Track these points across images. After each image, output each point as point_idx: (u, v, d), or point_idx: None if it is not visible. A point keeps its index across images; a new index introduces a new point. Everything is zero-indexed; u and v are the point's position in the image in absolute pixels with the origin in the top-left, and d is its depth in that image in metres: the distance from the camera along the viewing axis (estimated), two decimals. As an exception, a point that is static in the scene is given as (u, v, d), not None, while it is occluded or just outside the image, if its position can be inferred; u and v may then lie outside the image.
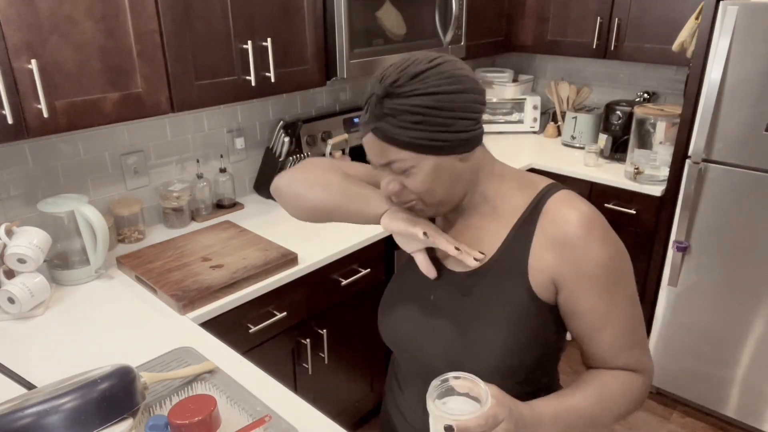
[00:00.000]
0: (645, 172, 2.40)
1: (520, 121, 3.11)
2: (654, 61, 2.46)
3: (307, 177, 0.97)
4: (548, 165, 2.64)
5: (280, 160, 2.10)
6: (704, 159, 2.10)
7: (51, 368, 1.24)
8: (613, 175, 2.50)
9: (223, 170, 2.07)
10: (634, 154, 2.44)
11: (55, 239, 1.59)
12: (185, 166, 2.03)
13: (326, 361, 1.89)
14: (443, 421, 0.70)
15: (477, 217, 0.89)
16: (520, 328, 0.85)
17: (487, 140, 0.85)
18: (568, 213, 0.83)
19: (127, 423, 0.86)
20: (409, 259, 0.97)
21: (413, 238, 0.87)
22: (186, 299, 1.45)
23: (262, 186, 2.22)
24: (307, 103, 2.36)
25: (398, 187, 0.83)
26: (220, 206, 2.09)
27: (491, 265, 0.86)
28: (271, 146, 2.16)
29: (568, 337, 0.93)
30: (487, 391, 0.72)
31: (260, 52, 1.73)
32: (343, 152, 2.35)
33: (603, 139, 2.68)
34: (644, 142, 2.41)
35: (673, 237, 2.25)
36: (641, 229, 2.46)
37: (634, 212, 2.44)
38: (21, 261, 1.40)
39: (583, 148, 2.85)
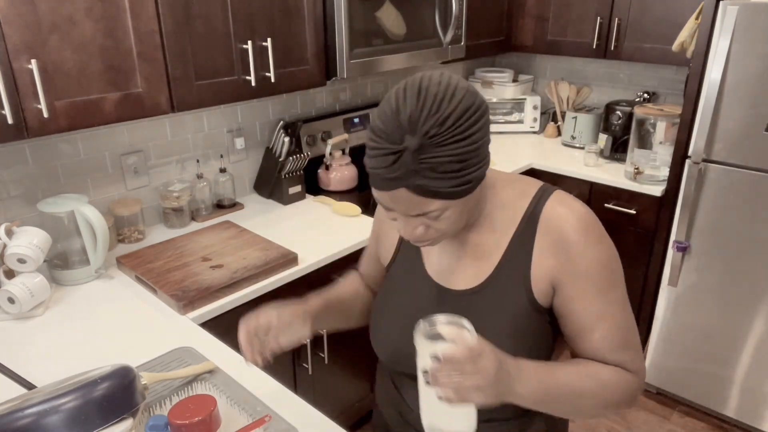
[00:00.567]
0: (645, 172, 2.40)
1: (520, 121, 3.11)
2: (654, 61, 2.46)
3: None
4: (548, 165, 2.64)
5: (280, 160, 2.10)
6: (704, 159, 2.10)
7: (51, 368, 1.24)
8: (613, 175, 2.50)
9: (223, 170, 2.07)
10: (634, 154, 2.44)
11: (55, 239, 1.58)
12: (185, 166, 2.03)
13: (326, 361, 1.88)
14: (430, 351, 0.71)
15: (475, 233, 0.89)
16: (524, 338, 0.85)
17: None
18: (565, 215, 0.83)
19: (127, 423, 0.86)
20: (398, 275, 0.96)
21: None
22: (186, 299, 1.45)
23: (262, 186, 2.22)
24: (307, 103, 2.36)
25: (424, 230, 0.80)
26: (220, 206, 2.09)
27: (491, 279, 0.86)
28: (271, 146, 2.16)
29: None
30: (474, 331, 0.74)
31: (260, 52, 1.73)
32: (343, 152, 2.35)
33: (603, 139, 2.68)
34: (644, 142, 2.41)
35: (673, 237, 2.24)
36: (641, 229, 2.46)
37: (634, 212, 2.44)
38: (21, 261, 1.40)
39: (583, 148, 2.85)
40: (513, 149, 2.86)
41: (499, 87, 3.05)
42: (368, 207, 2.12)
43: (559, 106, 3.05)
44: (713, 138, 2.07)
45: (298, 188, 2.17)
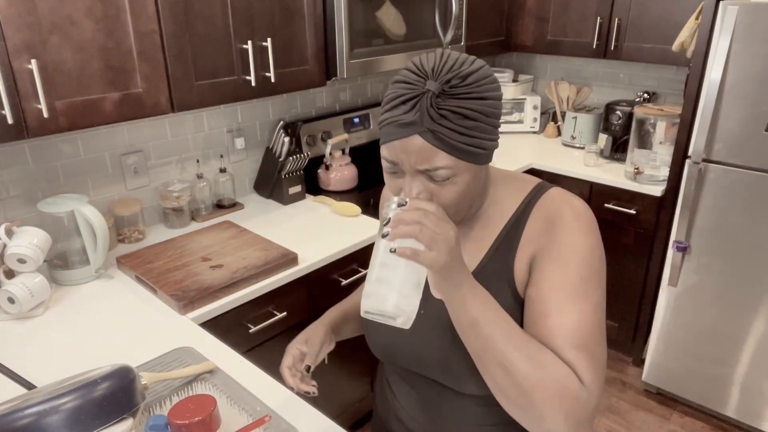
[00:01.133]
0: (645, 172, 2.40)
1: (520, 121, 3.11)
2: (654, 61, 2.46)
3: None
4: (548, 165, 2.64)
5: (280, 160, 2.10)
6: (704, 159, 2.10)
7: (51, 368, 1.24)
8: (613, 175, 2.50)
9: (223, 170, 2.07)
10: (634, 154, 2.44)
11: (55, 239, 1.59)
12: (185, 166, 2.03)
13: (326, 362, 1.88)
14: (395, 205, 0.71)
15: (468, 227, 0.88)
16: None
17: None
18: (560, 205, 0.82)
19: (127, 423, 0.86)
20: None
21: None
22: (186, 299, 1.45)
23: (262, 186, 2.22)
24: (307, 103, 2.36)
25: (428, 198, 0.77)
26: (220, 206, 2.09)
27: (478, 273, 0.85)
28: (271, 146, 2.16)
29: None
30: None
31: (260, 52, 1.73)
32: (343, 152, 2.35)
33: (603, 139, 2.68)
34: (644, 142, 2.41)
35: (673, 237, 2.25)
36: (641, 229, 2.46)
37: (634, 212, 2.44)
38: (21, 261, 1.40)
39: (583, 148, 2.85)
40: (513, 149, 2.86)
41: (499, 87, 3.04)
42: (368, 207, 2.12)
43: (559, 106, 3.05)
44: (713, 138, 2.07)
45: (298, 188, 2.17)
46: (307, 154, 2.15)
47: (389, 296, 0.68)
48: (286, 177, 2.12)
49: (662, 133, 2.35)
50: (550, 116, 3.17)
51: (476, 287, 0.73)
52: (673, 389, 2.43)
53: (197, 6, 1.55)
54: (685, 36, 2.18)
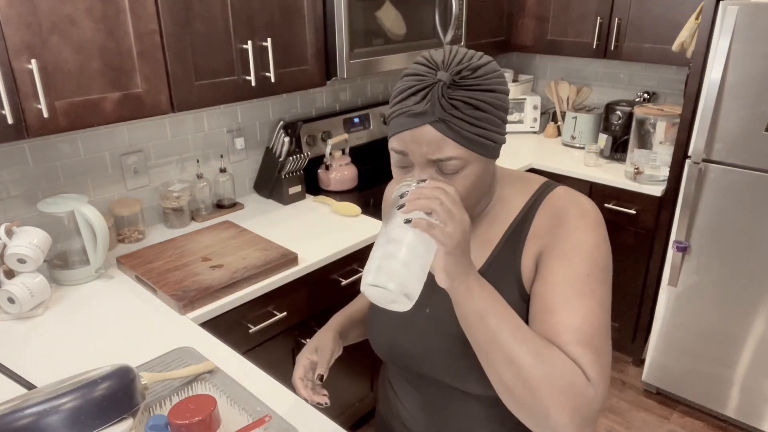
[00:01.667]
0: (645, 172, 2.40)
1: (520, 121, 3.11)
2: (654, 61, 2.46)
3: None
4: (548, 165, 2.64)
5: (280, 160, 2.10)
6: (704, 159, 2.10)
7: (51, 368, 1.24)
8: (613, 175, 2.50)
9: (223, 170, 2.07)
10: (634, 154, 2.44)
11: (55, 239, 1.59)
12: (185, 166, 2.03)
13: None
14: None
15: (474, 226, 0.88)
16: None
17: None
18: (567, 202, 0.83)
19: (127, 423, 0.86)
20: None
21: None
22: (186, 299, 1.45)
23: (262, 186, 2.22)
24: (307, 103, 2.36)
25: None
26: (220, 206, 2.09)
27: (485, 270, 0.85)
28: (271, 146, 2.16)
29: None
30: None
31: (260, 52, 1.73)
32: (343, 152, 2.35)
33: (603, 139, 2.68)
34: (644, 142, 2.41)
35: (673, 237, 2.25)
36: (641, 229, 2.46)
37: (634, 212, 2.44)
38: (21, 261, 1.40)
39: (583, 148, 2.85)
40: (513, 149, 2.86)
41: (499, 87, 3.04)
42: (368, 207, 2.12)
43: (559, 106, 3.05)
44: (713, 138, 2.07)
45: (298, 188, 2.17)
46: (307, 154, 2.15)
47: (396, 271, 0.66)
48: (286, 177, 2.12)
49: (662, 133, 2.35)
50: (550, 116, 3.17)
51: (482, 280, 0.73)
52: (673, 389, 2.43)
53: (197, 6, 1.55)
54: (685, 36, 2.18)
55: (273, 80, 1.76)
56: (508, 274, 0.83)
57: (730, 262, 2.14)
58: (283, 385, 1.17)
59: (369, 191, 2.30)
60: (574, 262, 0.77)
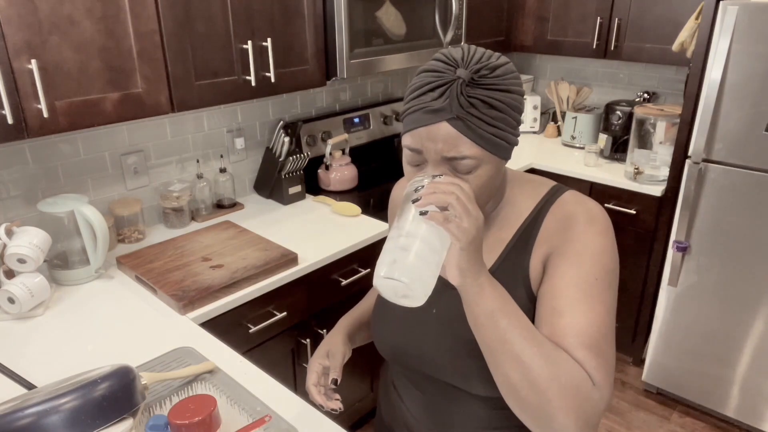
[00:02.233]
0: (645, 172, 2.40)
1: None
2: (654, 61, 2.46)
3: None
4: (548, 165, 2.64)
5: (280, 160, 2.10)
6: (704, 159, 2.10)
7: (51, 368, 1.24)
8: (613, 175, 2.51)
9: (223, 170, 2.07)
10: (634, 154, 2.44)
11: (55, 239, 1.59)
12: (185, 166, 2.03)
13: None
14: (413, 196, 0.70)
15: (485, 227, 0.88)
16: None
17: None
18: (575, 207, 0.83)
19: (127, 423, 0.86)
20: None
21: None
22: (186, 299, 1.45)
23: (262, 186, 2.22)
24: (307, 103, 2.36)
25: None
26: (220, 206, 2.09)
27: (493, 272, 0.85)
28: (271, 146, 2.16)
29: None
30: None
31: (260, 52, 1.73)
32: (343, 152, 2.35)
33: (603, 139, 2.68)
34: (644, 142, 2.41)
35: (673, 237, 2.25)
36: (641, 229, 2.46)
37: (634, 212, 2.44)
38: (21, 261, 1.40)
39: (583, 148, 2.85)
40: (513, 149, 2.86)
41: (499, 87, 3.04)
42: (368, 207, 2.12)
43: (559, 106, 3.05)
44: (713, 138, 2.07)
45: (298, 188, 2.17)
46: (307, 154, 2.15)
47: (410, 264, 0.65)
48: (286, 177, 2.12)
49: (662, 133, 2.35)
50: (550, 116, 3.17)
51: (494, 279, 0.73)
52: (673, 389, 2.43)
53: (197, 6, 1.55)
54: (685, 36, 2.18)
55: (273, 80, 1.76)
56: (516, 276, 0.83)
57: (730, 262, 2.14)
58: (283, 385, 1.17)
59: (369, 191, 2.30)
60: (582, 266, 0.78)
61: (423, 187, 0.70)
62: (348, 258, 1.84)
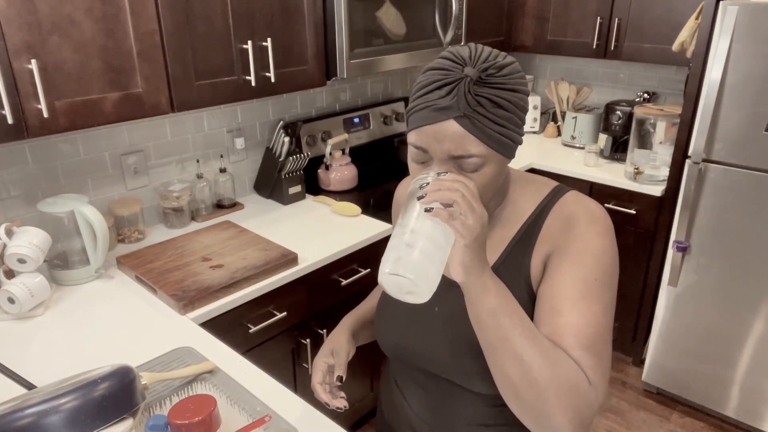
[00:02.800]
0: (645, 172, 2.40)
1: (520, 121, 3.11)
2: (654, 61, 2.46)
3: None
4: (548, 165, 2.64)
5: (280, 160, 2.10)
6: (704, 159, 2.10)
7: (51, 368, 1.24)
8: (613, 175, 2.50)
9: (223, 170, 2.07)
10: (634, 154, 2.44)
11: (55, 239, 1.59)
12: (185, 166, 2.03)
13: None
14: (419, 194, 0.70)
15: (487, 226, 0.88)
16: None
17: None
18: (577, 207, 0.83)
19: (127, 423, 0.86)
20: None
21: None
22: (186, 299, 1.45)
23: (262, 186, 2.22)
24: (307, 103, 2.36)
25: None
26: (220, 206, 2.09)
27: (495, 270, 0.85)
28: (271, 146, 2.16)
29: None
30: None
31: (260, 52, 1.73)
32: (343, 152, 2.35)
33: (603, 139, 2.68)
34: (644, 142, 2.41)
35: (673, 237, 2.25)
36: (641, 229, 2.46)
37: (634, 212, 2.44)
38: (21, 261, 1.40)
39: (583, 148, 2.85)
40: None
41: (499, 87, 3.04)
42: (368, 207, 2.12)
43: (559, 106, 3.05)
44: (713, 138, 2.07)
45: (298, 188, 2.17)
46: (307, 154, 2.15)
47: (415, 260, 0.66)
48: (286, 177, 2.12)
49: (662, 133, 2.35)
50: (550, 116, 3.17)
51: (496, 278, 0.73)
52: (673, 389, 2.43)
53: (197, 6, 1.55)
54: (685, 36, 2.18)
55: (273, 80, 1.76)
56: (518, 274, 0.84)
57: (730, 262, 2.14)
58: (283, 385, 1.17)
59: (369, 191, 2.30)
60: (582, 266, 0.78)
61: (428, 184, 0.70)
62: (348, 258, 1.84)
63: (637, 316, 2.60)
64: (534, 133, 3.15)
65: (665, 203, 2.36)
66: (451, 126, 0.72)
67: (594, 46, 2.61)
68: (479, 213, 0.68)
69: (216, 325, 1.50)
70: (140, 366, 1.20)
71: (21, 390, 1.13)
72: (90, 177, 1.80)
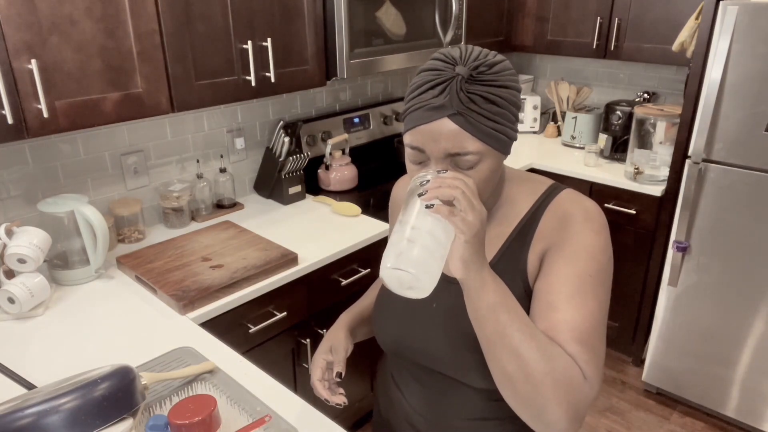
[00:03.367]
0: (645, 172, 2.40)
1: (520, 122, 3.11)
2: (654, 61, 2.46)
3: None
4: (548, 165, 2.64)
5: (280, 160, 2.10)
6: (704, 159, 2.10)
7: (51, 368, 1.24)
8: (613, 175, 2.50)
9: (223, 170, 2.07)
10: (634, 154, 2.44)
11: (55, 239, 1.59)
12: (185, 166, 2.03)
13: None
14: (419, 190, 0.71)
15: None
16: None
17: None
18: (572, 205, 0.84)
19: (127, 423, 0.86)
20: None
21: None
22: (186, 299, 1.45)
23: (262, 186, 2.22)
24: (307, 103, 2.36)
25: None
26: (220, 206, 2.09)
27: (493, 267, 0.86)
28: (271, 146, 2.16)
29: None
30: None
31: (260, 52, 1.73)
32: (343, 152, 2.35)
33: (603, 139, 2.68)
34: (644, 142, 2.41)
35: (673, 237, 2.25)
36: (641, 229, 2.46)
37: (634, 212, 2.44)
38: (21, 261, 1.40)
39: (583, 148, 2.85)
40: (513, 149, 2.86)
41: (499, 87, 3.04)
42: (368, 207, 2.12)
43: (559, 106, 3.05)
44: (713, 138, 2.07)
45: (298, 188, 2.17)
46: (307, 154, 2.15)
47: (417, 255, 0.67)
48: (286, 177, 2.12)
49: (662, 133, 2.35)
50: (550, 116, 3.17)
51: (495, 274, 0.74)
52: (673, 389, 2.43)
53: (197, 6, 1.55)
54: (685, 36, 2.18)
55: (273, 80, 1.76)
56: (514, 271, 0.85)
57: (730, 262, 2.14)
58: (283, 385, 1.17)
59: (369, 191, 2.30)
60: (578, 263, 0.79)
61: (428, 181, 0.71)
62: (348, 258, 1.84)
63: (637, 316, 2.60)
64: (534, 133, 3.15)
65: (665, 203, 2.36)
66: (446, 124, 0.74)
67: (594, 46, 2.61)
68: (479, 209, 0.69)
69: (216, 325, 1.50)
70: (140, 366, 1.20)
71: (21, 390, 1.13)
72: (90, 177, 1.80)
